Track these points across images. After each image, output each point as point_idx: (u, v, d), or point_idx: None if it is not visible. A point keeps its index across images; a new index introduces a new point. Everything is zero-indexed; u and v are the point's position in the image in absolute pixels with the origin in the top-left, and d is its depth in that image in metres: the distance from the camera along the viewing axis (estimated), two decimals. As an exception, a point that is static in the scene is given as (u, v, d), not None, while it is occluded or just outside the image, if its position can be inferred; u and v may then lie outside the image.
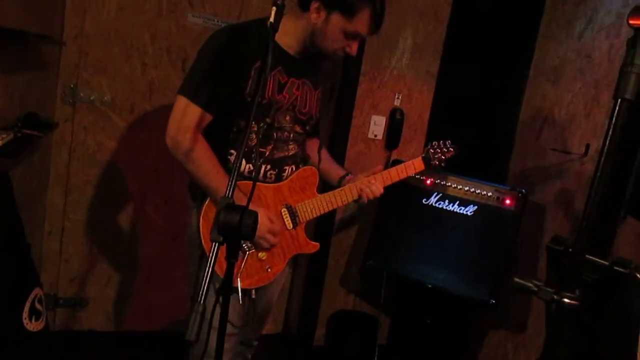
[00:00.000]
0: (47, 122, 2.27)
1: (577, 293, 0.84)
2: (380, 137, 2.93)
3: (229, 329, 1.65)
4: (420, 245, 2.58)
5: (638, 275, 0.87)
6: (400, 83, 2.92)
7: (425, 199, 2.61)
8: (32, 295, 1.78)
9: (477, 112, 2.93)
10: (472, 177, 2.56)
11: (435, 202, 2.59)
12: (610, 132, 0.84)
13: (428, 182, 2.61)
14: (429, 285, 2.52)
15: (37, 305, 1.82)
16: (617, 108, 0.86)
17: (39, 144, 2.20)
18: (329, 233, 2.94)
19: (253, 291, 1.79)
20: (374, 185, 1.89)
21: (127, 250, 2.83)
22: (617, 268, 0.89)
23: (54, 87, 2.53)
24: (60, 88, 2.55)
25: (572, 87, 2.56)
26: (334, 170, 2.02)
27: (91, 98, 2.61)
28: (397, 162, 2.64)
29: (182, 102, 1.64)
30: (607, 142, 0.85)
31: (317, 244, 1.89)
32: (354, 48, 1.72)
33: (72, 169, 2.66)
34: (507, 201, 2.50)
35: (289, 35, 1.73)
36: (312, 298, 3.02)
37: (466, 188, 2.55)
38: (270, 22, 1.24)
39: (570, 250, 0.85)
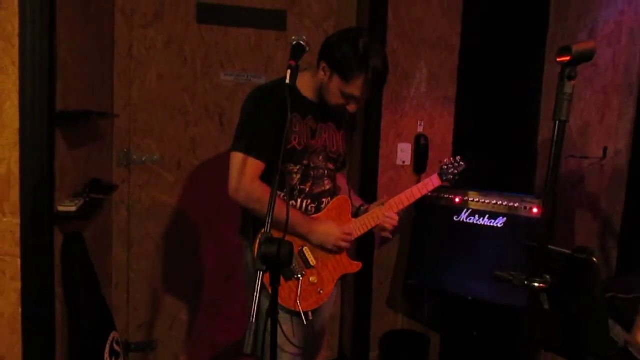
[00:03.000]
0: (109, 185, 2.58)
1: (547, 278, 1.00)
2: (408, 162, 3.11)
3: (294, 350, 1.88)
4: (457, 260, 2.72)
5: (594, 259, 1.02)
6: (421, 111, 3.11)
7: (456, 216, 2.76)
8: (110, 337, 2.04)
9: (499, 129, 3.08)
10: (498, 191, 2.70)
11: (466, 218, 2.74)
12: (553, 148, 1.02)
13: (457, 200, 2.76)
14: (469, 298, 2.65)
15: (116, 347, 2.07)
16: (556, 128, 1.04)
17: (103, 205, 2.49)
18: (370, 257, 3.10)
19: (310, 313, 1.99)
20: (389, 216, 2.08)
21: (186, 293, 3.08)
22: (576, 255, 1.04)
23: (110, 153, 2.85)
24: (115, 153, 2.87)
25: (583, 95, 2.70)
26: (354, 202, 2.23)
27: (143, 159, 2.91)
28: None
29: (238, 157, 1.89)
30: (553, 156, 1.02)
31: (360, 263, 2.11)
32: (351, 107, 1.96)
33: (132, 224, 2.95)
34: (535, 210, 2.62)
35: (310, 89, 2.00)
36: (362, 321, 3.17)
37: (494, 201, 2.69)
38: (287, 83, 1.47)
39: (536, 242, 1.02)
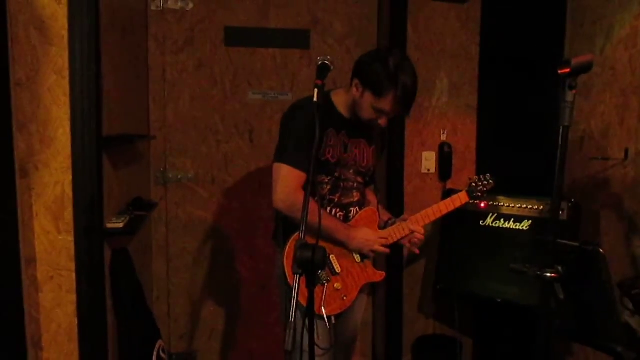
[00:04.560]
0: (150, 202, 2.73)
1: (560, 269, 1.09)
2: (433, 170, 3.20)
3: (319, 351, 1.98)
4: (484, 264, 2.78)
5: (601, 250, 1.10)
6: (444, 119, 3.20)
7: (482, 221, 2.83)
8: (157, 346, 2.17)
9: (522, 134, 3.14)
10: (521, 194, 2.76)
11: (492, 222, 2.81)
12: (559, 152, 1.11)
13: (482, 205, 2.83)
14: (498, 300, 2.71)
15: (162, 354, 2.20)
16: (561, 133, 1.13)
17: (145, 221, 2.64)
18: (400, 264, 3.19)
19: (333, 317, 2.10)
20: (415, 229, 2.18)
21: (223, 304, 3.21)
22: (584, 247, 1.13)
23: (148, 172, 3.02)
24: (153, 172, 3.04)
25: (602, 99, 2.75)
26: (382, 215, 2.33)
27: (179, 177, 3.07)
28: (451, 192, 2.92)
29: (284, 168, 2.02)
30: (559, 157, 1.11)
31: (384, 272, 2.20)
32: (382, 121, 2.06)
33: (170, 239, 3.10)
34: (559, 212, 2.67)
35: (344, 105, 2.13)
36: (394, 327, 3.25)
37: (518, 205, 2.75)
38: (314, 101, 1.59)
39: (546, 237, 1.11)
